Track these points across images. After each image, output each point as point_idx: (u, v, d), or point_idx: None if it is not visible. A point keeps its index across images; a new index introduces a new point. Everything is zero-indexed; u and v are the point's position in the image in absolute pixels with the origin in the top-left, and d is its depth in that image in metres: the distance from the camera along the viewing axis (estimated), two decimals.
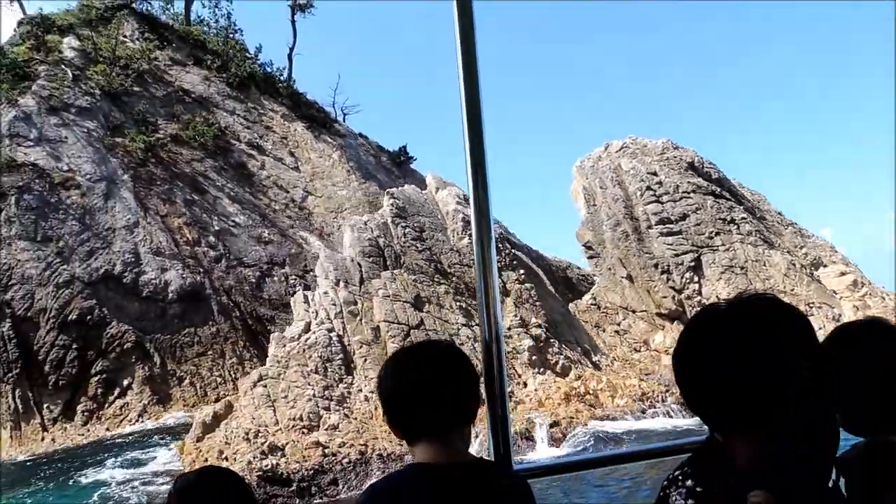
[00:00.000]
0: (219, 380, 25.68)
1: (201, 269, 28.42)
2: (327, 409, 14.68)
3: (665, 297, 24.93)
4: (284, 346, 16.53)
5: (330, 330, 16.70)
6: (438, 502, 1.44)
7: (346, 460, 13.46)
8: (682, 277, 24.80)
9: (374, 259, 19.09)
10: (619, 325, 25.30)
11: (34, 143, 27.99)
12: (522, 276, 20.70)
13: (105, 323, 24.65)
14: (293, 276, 31.17)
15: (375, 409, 15.22)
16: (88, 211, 27.22)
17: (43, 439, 21.63)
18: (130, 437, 20.87)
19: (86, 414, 22.87)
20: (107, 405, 23.36)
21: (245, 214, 32.73)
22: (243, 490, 1.74)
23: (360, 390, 15.58)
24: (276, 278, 30.65)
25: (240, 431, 14.16)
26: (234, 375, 26.14)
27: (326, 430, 14.08)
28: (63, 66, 32.31)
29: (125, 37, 36.19)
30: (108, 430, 22.44)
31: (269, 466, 12.78)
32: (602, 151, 28.91)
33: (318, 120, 39.69)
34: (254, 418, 14.69)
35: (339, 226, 35.58)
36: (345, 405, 14.90)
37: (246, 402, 15.32)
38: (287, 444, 13.63)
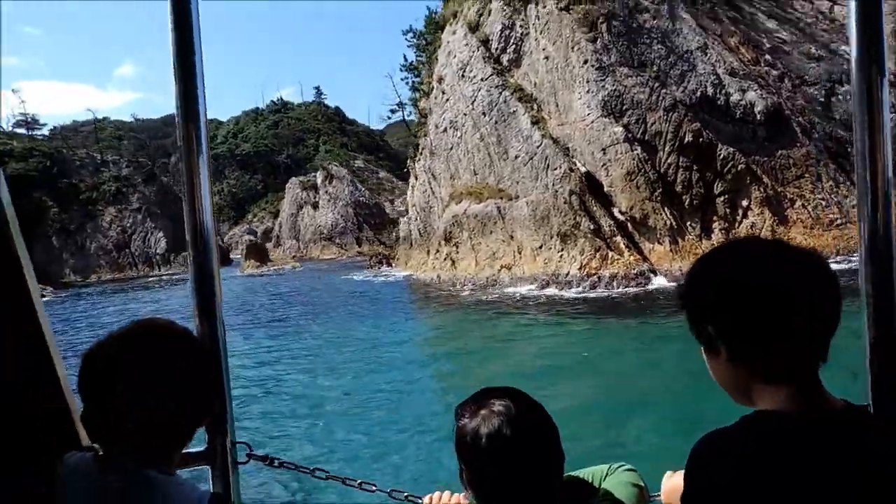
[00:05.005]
0: (822, 203, 24.78)
1: (773, 89, 27.01)
2: None
3: None
4: None
5: None
6: (797, 468, 0.98)
7: None
8: None
9: None
10: None
11: None
12: None
13: (713, 145, 24.74)
14: None
15: None
16: (665, 34, 26.86)
17: (700, 253, 22.92)
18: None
19: (722, 232, 23.68)
20: (736, 224, 23.93)
21: (785, 30, 30.18)
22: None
23: None
24: (840, 97, 28.20)
25: None
26: (835, 199, 25.06)
27: None
28: None
29: None
30: None
31: None
32: None
33: None
34: None
35: None
36: None
37: None
38: None
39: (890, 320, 1.32)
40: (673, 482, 1.37)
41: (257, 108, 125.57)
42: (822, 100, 27.63)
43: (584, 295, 21.96)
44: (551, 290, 23.36)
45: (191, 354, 1.27)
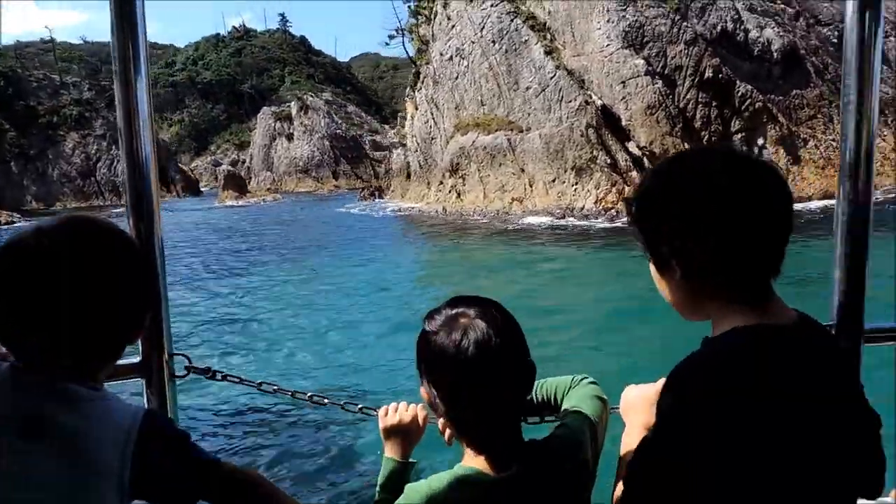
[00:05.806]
0: (833, 144, 25.04)
1: (788, 28, 26.81)
2: None
3: None
4: None
5: None
6: (776, 375, 0.94)
7: None
8: None
9: None
10: None
11: None
12: None
13: (732, 82, 24.55)
14: None
15: None
16: None
17: None
18: None
19: None
20: None
21: None
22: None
23: None
24: None
25: None
26: None
27: None
28: None
29: None
30: None
31: None
32: None
33: None
34: None
35: None
36: None
37: None
38: None
39: (861, 242, 1.44)
40: (631, 396, 1.36)
41: (218, 35, 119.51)
42: (835, 41, 27.57)
43: (604, 226, 21.92)
44: (572, 220, 23.27)
45: (123, 250, 1.12)
